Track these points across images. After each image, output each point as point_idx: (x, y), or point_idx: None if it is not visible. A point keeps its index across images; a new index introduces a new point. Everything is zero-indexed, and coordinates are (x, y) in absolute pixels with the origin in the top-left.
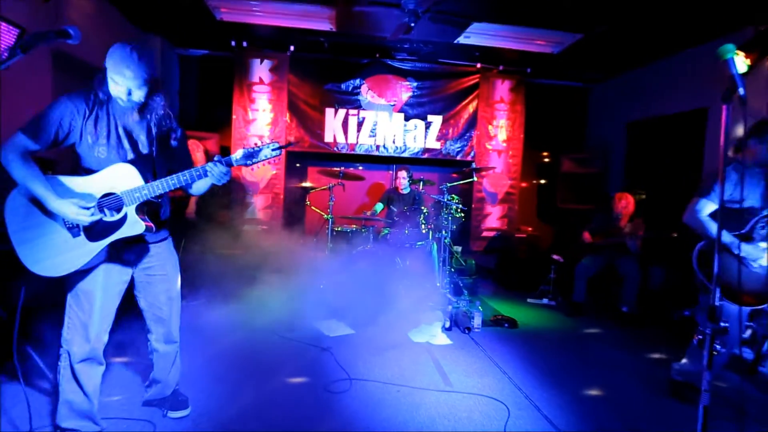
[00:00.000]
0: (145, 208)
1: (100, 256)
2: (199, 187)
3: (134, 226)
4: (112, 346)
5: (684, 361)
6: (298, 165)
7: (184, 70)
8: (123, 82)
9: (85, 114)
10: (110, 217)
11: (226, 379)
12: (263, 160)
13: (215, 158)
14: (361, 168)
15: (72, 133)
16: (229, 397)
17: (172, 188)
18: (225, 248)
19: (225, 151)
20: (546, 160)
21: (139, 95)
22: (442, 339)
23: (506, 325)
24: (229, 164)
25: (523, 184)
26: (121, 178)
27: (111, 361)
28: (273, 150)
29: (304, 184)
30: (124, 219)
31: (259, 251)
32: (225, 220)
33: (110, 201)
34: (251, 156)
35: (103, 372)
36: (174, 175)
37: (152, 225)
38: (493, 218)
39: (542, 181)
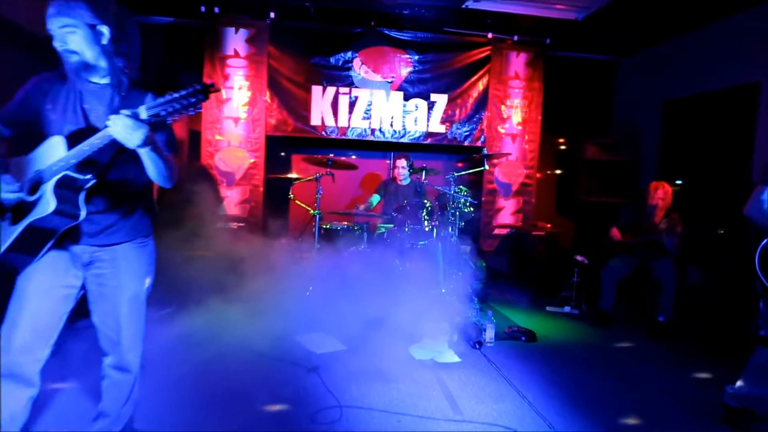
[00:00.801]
0: (80, 190)
1: (29, 247)
2: (151, 169)
3: (45, 205)
4: (67, 366)
5: (740, 383)
6: (282, 154)
7: (146, 42)
8: (51, 28)
9: (48, 89)
10: (29, 197)
11: (193, 408)
12: (183, 110)
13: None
14: (354, 157)
15: (38, 111)
16: None
17: (83, 156)
18: (194, 249)
19: (195, 137)
20: (566, 146)
21: (77, 45)
22: (449, 356)
23: (523, 338)
24: (135, 116)
25: (540, 174)
26: (50, 151)
27: (63, 385)
28: (192, 94)
29: (287, 175)
30: (40, 198)
31: (234, 253)
32: (194, 216)
33: (33, 178)
34: (165, 104)
35: (32, 396)
36: (85, 141)
37: (78, 208)
38: (507, 213)
39: (562, 171)
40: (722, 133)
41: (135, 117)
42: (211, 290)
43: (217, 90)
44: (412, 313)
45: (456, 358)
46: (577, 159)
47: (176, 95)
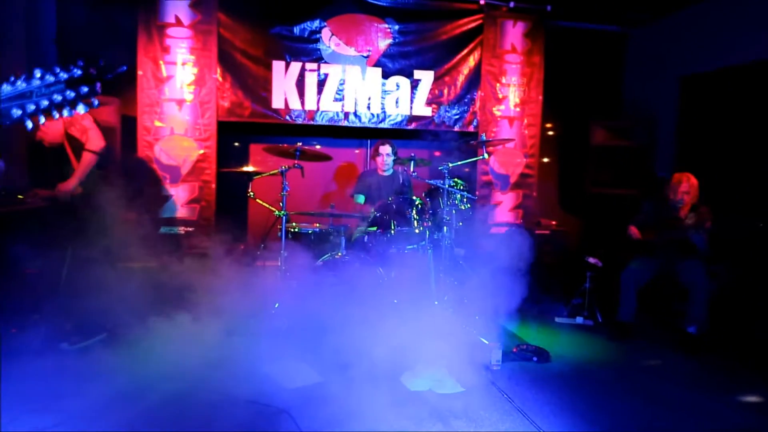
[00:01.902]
0: None
1: None
2: None
3: None
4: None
5: None
6: (238, 144)
7: (63, 8)
8: None
9: None
10: None
11: None
12: (52, 109)
13: None
14: (318, 147)
15: None
16: None
17: None
18: (130, 261)
19: (129, 123)
20: (571, 130)
21: None
22: (450, 385)
23: (535, 358)
24: None
25: (541, 163)
26: None
27: None
28: (69, 84)
29: (244, 168)
30: None
31: (181, 263)
32: (130, 220)
33: None
34: (23, 95)
35: None
36: None
37: None
38: (505, 209)
39: (566, 159)
40: (749, 113)
41: None
42: (152, 311)
43: (120, 72)
44: (403, 333)
45: (459, 388)
46: (584, 145)
47: (34, 86)
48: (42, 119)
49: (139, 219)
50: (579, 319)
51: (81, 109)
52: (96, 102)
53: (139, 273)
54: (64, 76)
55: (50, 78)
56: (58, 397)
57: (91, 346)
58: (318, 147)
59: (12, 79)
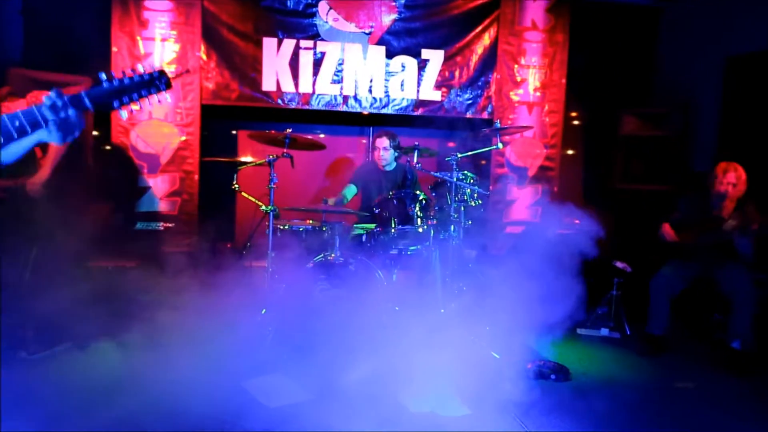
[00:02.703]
0: None
1: None
2: (11, 150)
3: None
4: None
5: None
6: (232, 131)
7: None
8: None
9: None
10: None
11: None
12: (141, 98)
13: (52, 92)
14: (322, 135)
15: None
16: None
17: None
18: (101, 260)
19: None
20: (597, 118)
21: None
22: (454, 406)
23: (553, 376)
24: (79, 104)
25: (565, 153)
26: None
27: None
28: (155, 81)
29: (230, 158)
30: None
31: (158, 263)
32: (102, 215)
33: None
34: (122, 91)
35: None
36: None
37: None
38: (522, 206)
39: (591, 150)
40: None
41: (78, 105)
42: (124, 318)
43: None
44: (403, 345)
45: (465, 410)
46: (612, 135)
47: (141, 89)
48: (131, 107)
49: (112, 214)
50: (604, 331)
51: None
52: (166, 97)
53: (112, 274)
54: (146, 76)
55: (138, 77)
56: None
57: (52, 356)
58: (322, 135)
59: (113, 75)
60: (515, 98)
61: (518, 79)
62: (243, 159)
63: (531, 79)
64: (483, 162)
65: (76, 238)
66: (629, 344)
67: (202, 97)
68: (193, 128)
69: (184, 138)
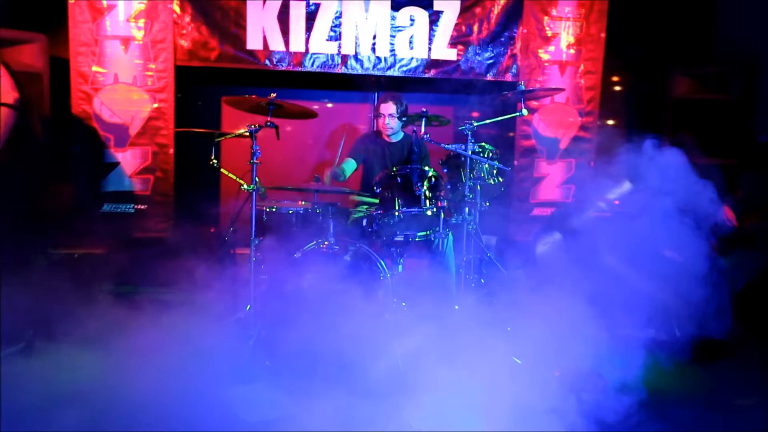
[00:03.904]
0: None
1: None
2: None
3: None
4: None
5: None
6: (200, 103)
7: None
8: None
9: None
10: None
11: None
12: None
13: None
14: (320, 105)
15: None
16: None
17: None
18: (61, 247)
19: (60, 67)
20: (642, 79)
21: None
22: (468, 423)
23: (588, 386)
24: None
25: (604, 121)
26: None
27: None
28: None
29: (207, 130)
30: None
31: (127, 251)
32: (62, 196)
33: None
34: None
35: None
36: None
37: None
38: (552, 184)
39: (635, 118)
40: None
41: None
42: (88, 312)
43: None
44: (408, 349)
45: (481, 427)
46: (660, 99)
47: None
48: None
49: (75, 194)
50: (650, 332)
51: None
52: None
53: (76, 263)
54: None
55: None
56: None
57: (2, 358)
58: (329, 105)
59: None
60: (545, 57)
61: (548, 33)
62: (221, 131)
63: (564, 33)
64: (511, 134)
65: (35, 223)
66: (681, 349)
67: (176, 57)
68: (167, 94)
69: (156, 105)
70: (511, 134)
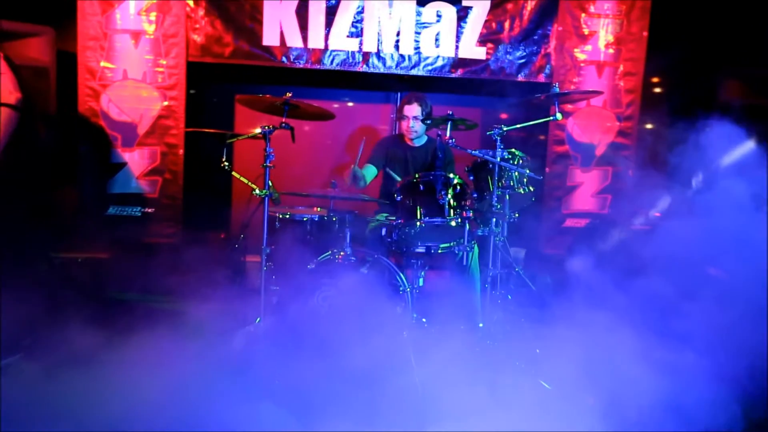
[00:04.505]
0: None
1: None
2: None
3: None
4: None
5: None
6: (215, 100)
7: None
8: None
9: None
10: None
11: None
12: None
13: None
14: (340, 104)
15: None
16: None
17: None
18: (69, 251)
19: (68, 62)
20: (688, 81)
21: None
22: None
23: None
24: None
25: (645, 127)
26: None
27: None
28: None
29: (219, 130)
30: None
31: (135, 257)
32: (66, 198)
33: None
34: None
35: None
36: None
37: None
38: (586, 193)
39: (681, 123)
40: None
41: None
42: (91, 323)
43: None
44: (428, 370)
45: None
46: (708, 104)
47: None
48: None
49: (80, 196)
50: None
51: None
52: None
53: (80, 269)
54: None
55: None
56: None
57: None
58: (349, 104)
59: None
60: (581, 56)
61: (585, 31)
62: (235, 132)
63: (602, 31)
64: (542, 137)
65: (38, 226)
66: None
67: (188, 53)
68: (178, 91)
69: (166, 103)
70: (542, 137)
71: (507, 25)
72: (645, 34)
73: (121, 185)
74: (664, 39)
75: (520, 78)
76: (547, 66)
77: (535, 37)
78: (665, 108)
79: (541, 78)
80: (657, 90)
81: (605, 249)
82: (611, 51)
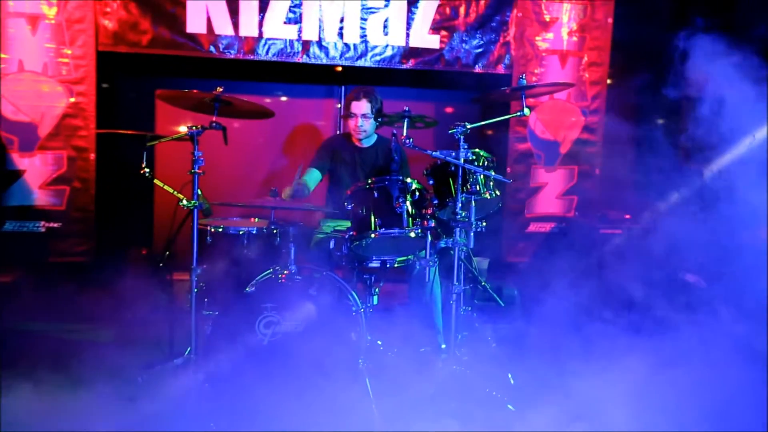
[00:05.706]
0: None
1: None
2: None
3: None
4: None
5: None
6: (132, 96)
7: None
8: None
9: None
10: None
11: None
12: None
13: None
14: (271, 101)
15: None
16: None
17: None
18: None
19: None
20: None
21: None
22: None
23: None
24: None
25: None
26: None
27: None
28: None
29: (136, 132)
30: None
31: (39, 279)
32: None
33: None
34: None
35: None
36: None
37: None
38: (551, 194)
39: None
40: None
41: None
42: None
43: None
44: (388, 400)
45: None
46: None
47: None
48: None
49: None
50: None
51: None
52: None
53: None
54: None
55: None
56: None
57: None
58: (283, 98)
59: None
60: (543, 45)
61: (547, 18)
62: (156, 134)
63: (565, 18)
64: (492, 132)
65: None
66: None
67: (98, 41)
68: (87, 86)
69: (73, 100)
70: (495, 133)
71: (462, 10)
72: (610, 20)
73: (19, 197)
74: (632, 25)
75: (478, 69)
76: (507, 56)
77: (493, 24)
78: (634, 100)
79: (500, 69)
80: (621, 79)
81: (572, 255)
82: (575, 39)
